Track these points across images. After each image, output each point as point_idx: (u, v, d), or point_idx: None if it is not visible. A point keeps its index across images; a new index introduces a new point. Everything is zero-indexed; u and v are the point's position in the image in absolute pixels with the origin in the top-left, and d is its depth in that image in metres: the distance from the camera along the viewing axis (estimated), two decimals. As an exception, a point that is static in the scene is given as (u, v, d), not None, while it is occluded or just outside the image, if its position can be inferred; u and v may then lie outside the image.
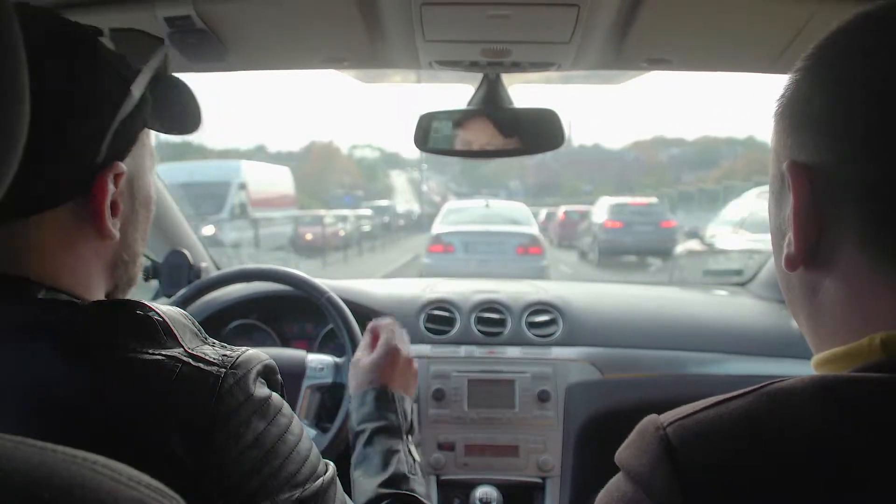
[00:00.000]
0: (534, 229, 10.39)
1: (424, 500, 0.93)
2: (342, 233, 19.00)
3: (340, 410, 1.35)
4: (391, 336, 1.16)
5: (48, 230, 0.59)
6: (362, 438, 1.00)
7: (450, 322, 1.70)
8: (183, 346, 0.58)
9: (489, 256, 9.06)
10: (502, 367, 1.60)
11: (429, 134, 1.29)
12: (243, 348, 0.62)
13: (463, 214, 11.19)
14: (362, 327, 1.47)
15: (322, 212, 21.91)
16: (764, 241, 5.46)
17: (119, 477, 0.37)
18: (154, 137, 0.73)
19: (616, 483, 0.48)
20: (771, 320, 1.75)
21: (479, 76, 1.24)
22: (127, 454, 0.41)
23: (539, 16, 0.96)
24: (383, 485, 0.91)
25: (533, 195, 43.92)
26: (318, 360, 1.43)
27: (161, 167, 1.78)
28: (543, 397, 1.55)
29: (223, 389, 0.56)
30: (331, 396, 1.45)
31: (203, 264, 1.68)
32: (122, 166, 0.62)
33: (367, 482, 0.92)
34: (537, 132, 1.27)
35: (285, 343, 1.75)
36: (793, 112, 0.52)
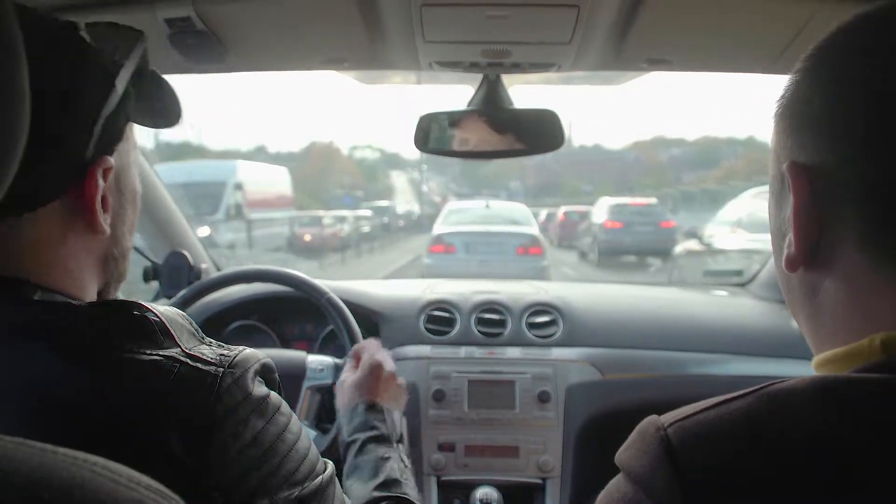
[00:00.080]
0: (534, 230, 10.42)
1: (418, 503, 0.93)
2: (341, 234, 18.90)
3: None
4: (373, 354, 1.19)
5: (40, 228, 0.59)
6: (353, 448, 1.01)
7: (450, 323, 1.70)
8: (180, 347, 0.58)
9: (490, 257, 9.08)
10: (502, 367, 1.60)
11: (429, 135, 1.29)
12: (240, 347, 0.62)
13: (464, 215, 11.22)
14: (363, 328, 1.47)
15: (321, 212, 21.77)
16: (762, 241, 5.48)
17: (118, 478, 0.37)
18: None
19: (616, 484, 0.48)
20: (771, 321, 1.75)
21: (479, 77, 1.24)
22: (126, 455, 0.41)
23: (539, 16, 0.96)
24: (378, 488, 0.91)
25: (533, 196, 43.92)
26: (318, 361, 1.43)
27: (156, 167, 1.78)
28: (544, 398, 1.55)
29: (221, 389, 0.56)
30: (331, 397, 1.44)
31: (203, 265, 1.68)
32: (111, 161, 0.62)
33: (361, 488, 0.94)
34: (537, 133, 1.27)
35: (285, 344, 1.75)
36: (793, 113, 0.52)
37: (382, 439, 1.01)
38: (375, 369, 1.15)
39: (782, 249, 0.53)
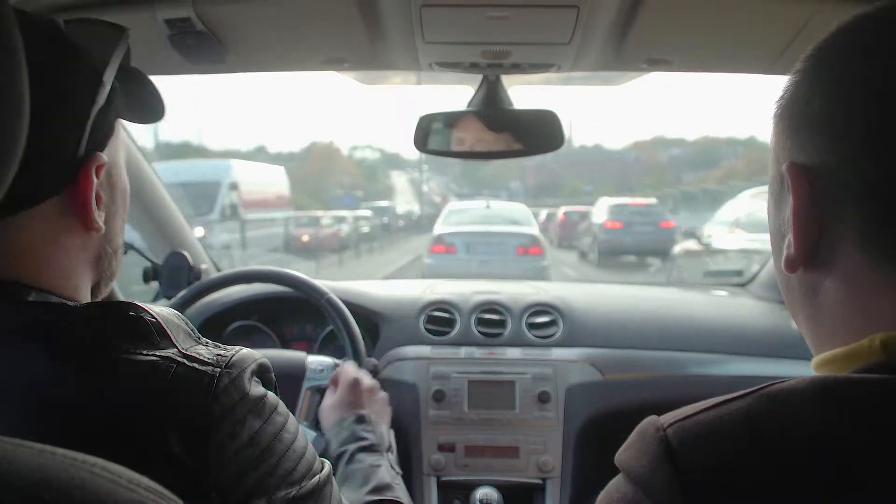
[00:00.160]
0: (534, 230, 10.46)
1: None
2: (340, 234, 18.76)
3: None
4: (350, 373, 1.20)
5: (34, 227, 0.59)
6: (344, 459, 1.02)
7: (450, 323, 1.70)
8: (177, 347, 0.58)
9: (490, 256, 9.11)
10: (502, 368, 1.60)
11: (429, 135, 1.30)
12: (237, 348, 0.62)
13: (464, 215, 11.26)
14: (362, 328, 1.47)
15: (319, 213, 21.60)
16: (760, 241, 5.49)
17: (118, 479, 0.37)
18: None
19: (616, 484, 0.48)
20: (771, 321, 1.75)
21: (479, 77, 1.24)
22: (125, 455, 0.41)
23: (539, 17, 0.96)
24: (370, 493, 0.92)
25: (533, 196, 43.91)
26: (318, 361, 1.43)
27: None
28: (544, 398, 1.55)
29: (219, 389, 0.56)
30: (331, 398, 1.45)
31: (203, 266, 1.68)
32: (103, 157, 0.63)
33: (353, 494, 0.95)
34: (537, 133, 1.27)
35: (285, 344, 1.75)
36: (792, 113, 0.52)
37: (372, 448, 1.02)
38: (355, 385, 1.16)
39: (782, 250, 0.53)
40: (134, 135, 1.65)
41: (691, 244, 8.34)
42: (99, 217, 0.63)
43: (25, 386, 0.54)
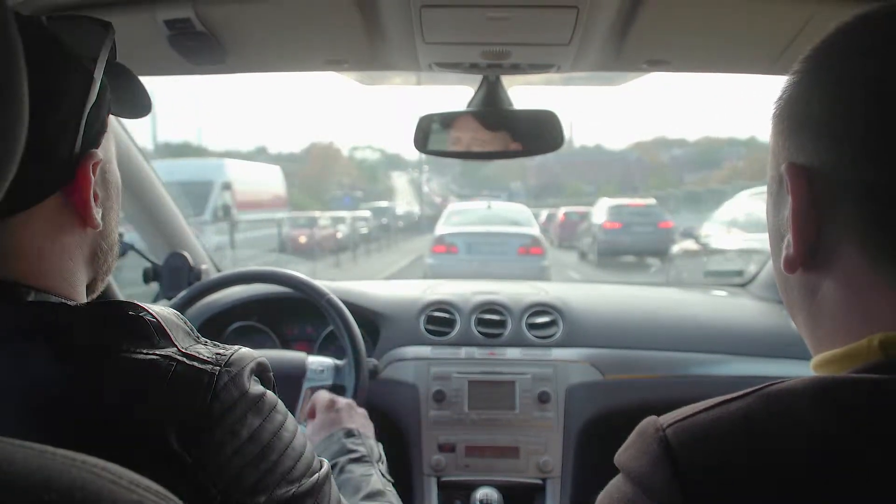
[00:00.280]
0: (535, 230, 10.48)
1: None
2: (339, 235, 18.49)
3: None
4: (323, 396, 1.20)
5: (33, 226, 0.59)
6: (335, 471, 1.02)
7: (450, 323, 1.70)
8: (176, 346, 0.58)
9: (491, 257, 9.14)
10: (503, 368, 1.60)
11: (428, 136, 1.30)
12: (236, 347, 0.62)
13: (466, 216, 11.29)
14: (363, 329, 1.47)
15: (316, 213, 21.32)
16: (757, 241, 5.50)
17: (119, 480, 0.37)
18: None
19: (616, 484, 0.48)
20: (771, 321, 1.75)
21: (479, 78, 1.24)
22: (126, 454, 0.41)
23: (538, 18, 0.96)
24: (363, 499, 0.92)
25: (534, 196, 43.92)
26: (318, 361, 1.44)
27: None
28: (544, 398, 1.55)
29: (218, 387, 0.56)
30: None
31: (203, 266, 1.68)
32: (99, 154, 0.63)
33: (346, 502, 0.94)
34: (537, 134, 1.27)
35: (286, 345, 1.75)
36: (791, 113, 0.52)
37: (363, 460, 1.02)
38: (332, 406, 1.16)
39: (781, 250, 0.53)
40: (133, 135, 1.65)
41: (689, 244, 8.34)
42: (97, 214, 0.63)
43: (26, 386, 0.54)
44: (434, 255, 9.59)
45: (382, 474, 1.01)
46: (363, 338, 1.44)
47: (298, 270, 1.51)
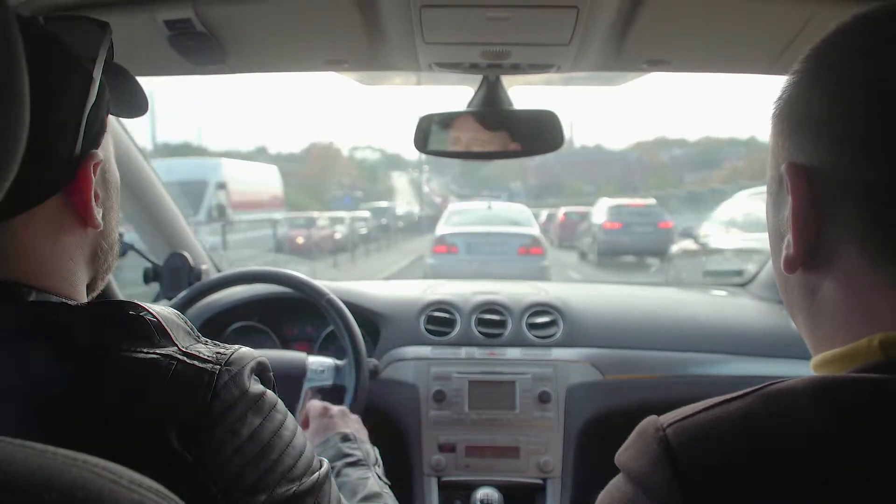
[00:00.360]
0: (535, 230, 10.50)
1: None
2: (337, 235, 18.27)
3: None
4: (315, 405, 1.20)
5: (35, 227, 0.59)
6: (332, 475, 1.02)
7: (450, 323, 1.70)
8: (177, 345, 0.58)
9: (492, 257, 9.16)
10: (503, 368, 1.60)
11: (428, 136, 1.30)
12: (236, 346, 0.63)
13: (466, 216, 11.32)
14: (363, 329, 1.47)
15: (314, 213, 21.09)
16: (756, 240, 5.50)
17: (120, 480, 0.37)
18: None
19: (616, 484, 0.48)
20: (771, 321, 1.75)
21: (479, 78, 1.24)
22: (126, 453, 0.42)
23: (538, 18, 0.96)
24: (361, 501, 0.92)
25: (535, 196, 43.91)
26: (318, 362, 1.44)
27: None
28: (544, 398, 1.55)
29: (219, 386, 0.57)
30: (331, 398, 1.45)
31: (203, 266, 1.68)
32: (99, 154, 0.63)
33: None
34: (537, 134, 1.27)
35: (286, 345, 1.75)
36: (791, 113, 0.52)
37: (359, 463, 1.02)
38: (325, 413, 1.16)
39: (781, 250, 0.53)
40: (132, 135, 1.65)
41: (688, 244, 8.35)
42: (98, 214, 0.63)
43: (27, 386, 0.54)
44: (435, 255, 9.62)
45: (379, 477, 1.01)
46: (363, 338, 1.44)
47: (297, 271, 1.51)
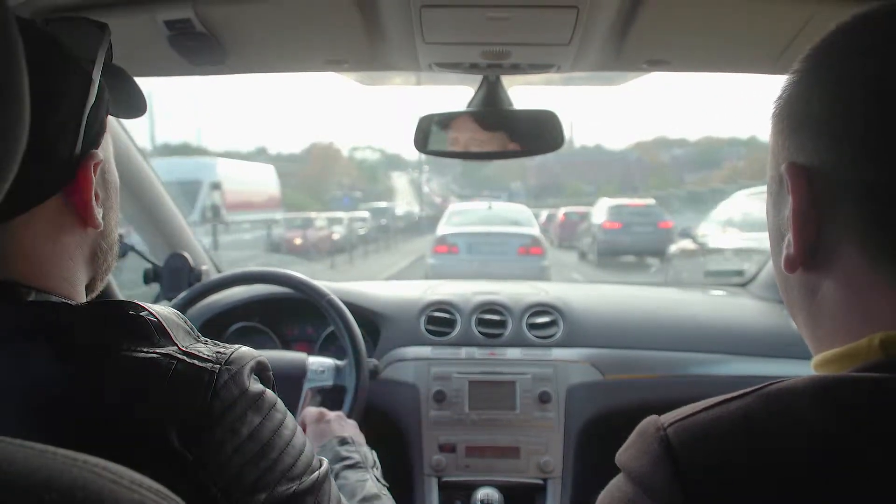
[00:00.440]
0: (535, 230, 10.52)
1: None
2: (336, 236, 18.04)
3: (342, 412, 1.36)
4: (311, 411, 1.20)
5: (35, 227, 0.60)
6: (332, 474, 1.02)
7: (450, 324, 1.70)
8: (177, 345, 0.58)
9: (492, 257, 9.18)
10: (503, 368, 1.60)
11: (428, 136, 1.30)
12: (236, 346, 0.63)
13: (466, 216, 11.34)
14: (363, 329, 1.47)
15: (312, 214, 20.89)
16: (754, 240, 5.50)
17: (120, 480, 0.37)
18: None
19: (617, 484, 0.48)
20: (771, 321, 1.75)
21: (479, 78, 1.24)
22: (127, 453, 0.42)
23: (538, 18, 0.96)
24: (360, 502, 0.92)
25: (535, 196, 43.90)
26: (318, 362, 1.44)
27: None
28: (544, 398, 1.55)
29: (218, 385, 0.57)
30: (332, 399, 1.45)
31: (204, 267, 1.68)
32: (99, 154, 0.63)
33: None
34: (537, 134, 1.27)
35: (286, 346, 1.75)
36: (791, 113, 0.52)
37: (357, 466, 1.02)
38: (321, 418, 1.16)
39: (781, 250, 0.53)
40: (132, 135, 1.65)
41: (687, 244, 8.35)
42: (98, 214, 0.63)
43: (27, 386, 0.54)
44: (435, 255, 9.65)
45: (377, 479, 1.01)
46: (363, 338, 1.44)
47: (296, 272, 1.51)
